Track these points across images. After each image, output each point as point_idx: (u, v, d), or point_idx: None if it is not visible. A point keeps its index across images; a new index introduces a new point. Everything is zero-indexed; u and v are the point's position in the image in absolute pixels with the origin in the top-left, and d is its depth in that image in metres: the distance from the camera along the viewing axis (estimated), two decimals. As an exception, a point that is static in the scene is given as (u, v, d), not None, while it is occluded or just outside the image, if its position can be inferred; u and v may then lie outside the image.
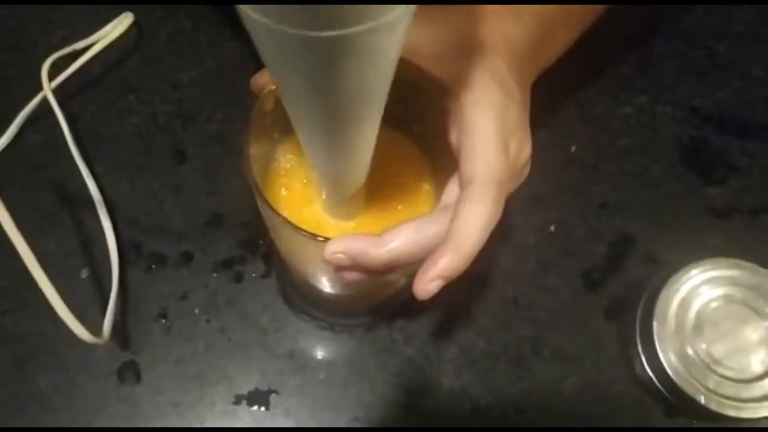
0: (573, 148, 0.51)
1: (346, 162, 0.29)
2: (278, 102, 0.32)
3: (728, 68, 0.54)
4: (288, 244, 0.34)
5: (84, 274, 0.46)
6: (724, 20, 0.55)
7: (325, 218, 0.35)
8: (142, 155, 0.50)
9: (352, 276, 0.30)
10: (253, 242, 0.48)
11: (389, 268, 0.29)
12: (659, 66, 0.53)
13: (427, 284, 0.28)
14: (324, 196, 0.34)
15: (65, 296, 0.40)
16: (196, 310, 0.46)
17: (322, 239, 0.29)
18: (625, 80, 0.53)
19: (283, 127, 0.35)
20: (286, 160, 0.36)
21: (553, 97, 0.51)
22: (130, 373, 0.44)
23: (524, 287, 0.47)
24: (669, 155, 0.51)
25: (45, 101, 0.49)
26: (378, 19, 0.18)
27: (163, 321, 0.45)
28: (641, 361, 0.45)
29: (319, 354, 0.45)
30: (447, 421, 0.44)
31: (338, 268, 0.30)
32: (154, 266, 0.47)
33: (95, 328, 0.39)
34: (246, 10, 0.18)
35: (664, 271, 0.45)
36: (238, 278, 0.47)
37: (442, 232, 0.28)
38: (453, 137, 0.30)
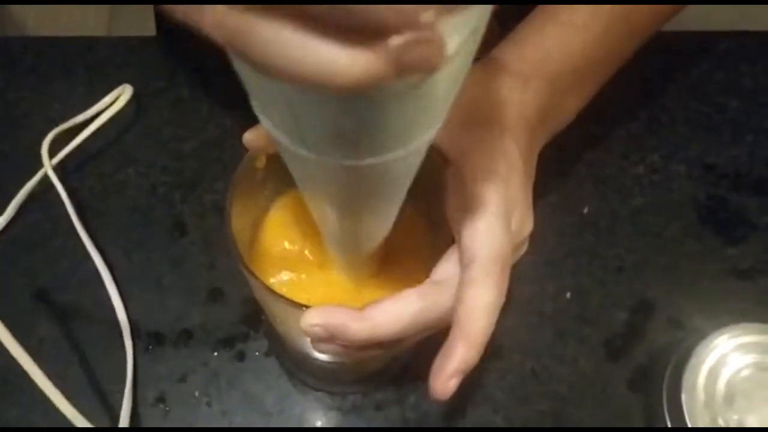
0: (586, 210, 0.49)
1: (366, 243, 0.28)
2: (271, 159, 0.31)
3: (740, 124, 0.53)
4: (271, 310, 0.33)
5: (78, 356, 0.44)
6: (733, 75, 0.54)
7: (321, 285, 0.33)
8: (141, 228, 0.48)
9: (329, 348, 0.28)
10: (255, 318, 0.46)
11: (370, 344, 0.27)
12: (670, 123, 0.52)
13: (446, 383, 0.26)
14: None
15: (55, 381, 0.38)
16: (196, 393, 0.43)
17: (302, 307, 0.27)
18: (636, 139, 0.52)
19: (276, 186, 0.33)
20: (278, 221, 0.35)
21: (562, 158, 0.49)
22: (126, 462, 0.41)
23: (542, 359, 0.45)
24: (686, 215, 0.49)
25: (45, 178, 0.48)
26: (414, 144, 0.19)
27: (162, 405, 0.43)
28: (671, 435, 0.42)
29: (327, 436, 0.43)
30: None
31: (316, 340, 0.28)
32: (151, 346, 0.44)
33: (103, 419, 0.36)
34: (286, 143, 0.19)
35: (690, 338, 0.43)
36: (240, 357, 0.44)
37: (431, 308, 0.27)
38: (451, 211, 0.29)
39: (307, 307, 0.27)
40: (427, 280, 0.28)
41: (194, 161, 0.51)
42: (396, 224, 0.34)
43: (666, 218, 0.49)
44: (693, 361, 0.41)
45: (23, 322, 0.44)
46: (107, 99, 0.50)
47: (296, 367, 0.44)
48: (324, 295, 0.33)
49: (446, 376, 0.26)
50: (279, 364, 0.44)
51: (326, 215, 0.26)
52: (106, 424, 0.40)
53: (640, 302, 0.46)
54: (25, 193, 0.47)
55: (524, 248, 0.31)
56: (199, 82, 0.53)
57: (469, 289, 0.26)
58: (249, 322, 0.45)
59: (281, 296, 0.27)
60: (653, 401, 0.43)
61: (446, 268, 0.28)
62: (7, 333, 0.36)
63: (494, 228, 0.27)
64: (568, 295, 0.47)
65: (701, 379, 0.41)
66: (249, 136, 0.31)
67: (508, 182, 0.28)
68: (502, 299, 0.27)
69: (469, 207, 0.28)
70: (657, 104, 0.53)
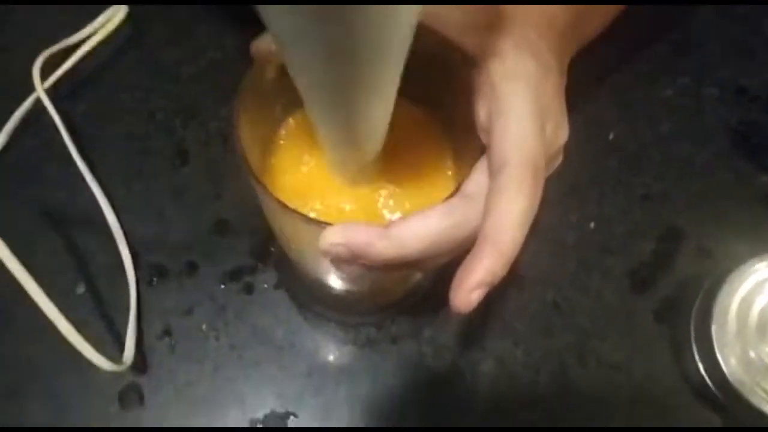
0: (611, 136, 0.46)
1: (361, 130, 0.25)
2: (282, 69, 0.28)
3: (775, 44, 0.49)
4: (284, 231, 0.30)
5: (80, 289, 0.42)
6: (768, -8, 0.51)
7: (337, 207, 0.31)
8: (140, 157, 0.46)
9: (351, 270, 0.26)
10: (263, 249, 0.43)
11: (396, 264, 0.25)
12: (701, 45, 0.49)
13: (469, 295, 0.24)
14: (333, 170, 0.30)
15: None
16: (203, 327, 0.41)
17: (321, 225, 0.24)
18: (664, 61, 0.48)
19: (287, 101, 0.31)
20: (290, 139, 0.32)
21: (587, 81, 0.46)
22: (132, 397, 0.40)
23: (564, 290, 0.43)
24: (717, 140, 0.47)
25: (38, 103, 0.45)
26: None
27: (168, 339, 0.41)
28: (698, 368, 0.40)
29: (341, 371, 0.41)
30: (485, 442, 0.40)
31: (337, 260, 0.25)
32: (155, 279, 0.42)
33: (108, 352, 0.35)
34: None
35: (721, 267, 0.41)
36: (248, 290, 0.42)
37: (461, 223, 0.24)
38: (481, 115, 0.26)
39: (327, 224, 0.24)
40: (457, 194, 0.26)
41: (195, 86, 0.48)
42: (419, 138, 0.32)
43: (696, 144, 0.47)
44: (726, 288, 0.39)
45: (19, 254, 0.42)
46: (101, 19, 0.46)
47: (308, 297, 0.42)
48: (339, 215, 0.31)
49: (469, 287, 0.24)
50: (289, 297, 0.42)
51: (320, 106, 0.24)
52: (111, 358, 0.38)
53: (667, 231, 0.44)
54: (18, 118, 0.44)
55: (559, 160, 0.28)
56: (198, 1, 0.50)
57: (499, 197, 0.24)
58: (257, 254, 0.43)
59: (298, 213, 0.25)
60: (680, 332, 0.41)
61: (477, 179, 0.25)
62: (13, 257, 0.33)
63: (526, 131, 0.24)
64: (592, 224, 0.44)
65: (733, 309, 0.39)
66: (257, 43, 0.28)
67: (542, 83, 0.26)
68: (535, 210, 0.24)
69: (499, 109, 0.25)
70: (686, 25, 0.50)
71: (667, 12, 0.50)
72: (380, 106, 0.24)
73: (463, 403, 0.40)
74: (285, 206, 0.25)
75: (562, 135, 0.27)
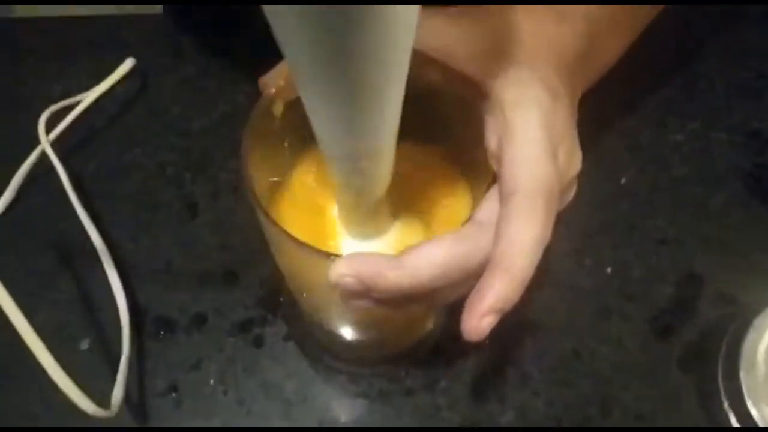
0: (623, 180, 0.46)
1: (367, 139, 0.23)
2: (290, 109, 0.28)
3: (783, 89, 0.50)
4: (294, 267, 0.29)
5: (84, 345, 0.41)
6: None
7: (347, 247, 0.30)
8: (149, 211, 0.45)
9: (362, 305, 0.25)
10: (273, 301, 0.42)
11: (409, 296, 0.24)
12: (709, 89, 0.49)
13: (479, 321, 0.23)
14: (344, 214, 0.29)
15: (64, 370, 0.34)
16: (211, 381, 0.40)
17: (331, 257, 0.24)
18: (673, 105, 0.48)
19: (295, 140, 0.30)
20: (299, 181, 0.32)
21: (595, 125, 0.46)
22: (135, 457, 0.38)
23: (583, 338, 0.41)
24: (730, 184, 0.46)
25: (44, 157, 0.45)
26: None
27: (174, 395, 0.40)
28: (728, 417, 0.38)
29: (353, 425, 0.39)
30: (507, 501, 0.38)
31: (347, 295, 0.24)
32: (162, 332, 0.41)
33: (101, 401, 0.33)
34: None
35: (744, 311, 0.39)
36: (258, 342, 0.41)
37: (472, 251, 0.24)
38: (492, 144, 0.26)
39: (336, 256, 0.24)
40: (469, 221, 0.25)
41: (204, 139, 0.48)
42: (429, 172, 0.31)
43: (709, 188, 0.46)
44: (751, 335, 0.38)
45: (23, 310, 0.41)
46: (114, 75, 0.47)
47: (318, 348, 0.41)
48: None
49: (480, 313, 0.23)
50: (299, 350, 0.41)
51: (316, 93, 0.21)
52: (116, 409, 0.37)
53: (686, 276, 0.43)
54: (24, 173, 0.44)
55: (572, 191, 0.27)
56: (206, 59, 0.51)
57: (510, 222, 0.23)
58: (266, 306, 0.42)
59: (306, 245, 0.24)
60: (707, 380, 0.40)
61: (489, 207, 0.25)
62: (16, 309, 0.32)
63: (538, 156, 0.24)
64: (609, 269, 0.43)
65: (761, 354, 0.38)
66: (265, 78, 0.28)
67: (553, 112, 0.25)
68: (547, 238, 0.24)
69: (509, 136, 0.25)
70: (693, 70, 0.50)
71: (673, 56, 0.50)
72: (386, 111, 0.22)
73: (483, 459, 0.38)
74: (293, 238, 0.24)
75: (576, 164, 0.27)
